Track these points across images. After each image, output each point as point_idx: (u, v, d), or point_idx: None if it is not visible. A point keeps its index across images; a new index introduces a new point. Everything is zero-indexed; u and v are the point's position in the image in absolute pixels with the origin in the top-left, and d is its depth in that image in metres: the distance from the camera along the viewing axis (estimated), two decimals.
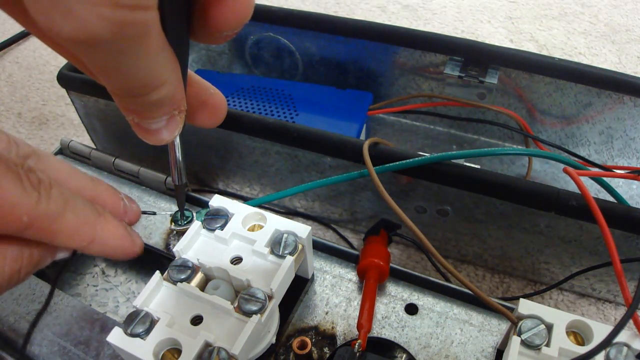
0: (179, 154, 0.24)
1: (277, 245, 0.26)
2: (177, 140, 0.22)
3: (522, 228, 0.35)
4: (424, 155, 0.32)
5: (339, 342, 0.29)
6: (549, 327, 0.24)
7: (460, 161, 0.37)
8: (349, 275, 0.33)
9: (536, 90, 0.45)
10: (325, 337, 0.30)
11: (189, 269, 0.25)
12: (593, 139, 0.46)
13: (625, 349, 0.22)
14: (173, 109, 0.19)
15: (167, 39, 0.16)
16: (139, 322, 0.22)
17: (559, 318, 0.24)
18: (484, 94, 0.45)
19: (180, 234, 0.26)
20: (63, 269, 0.23)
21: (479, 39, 0.66)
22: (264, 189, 0.44)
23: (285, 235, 0.26)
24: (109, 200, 0.23)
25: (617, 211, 0.30)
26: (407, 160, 0.32)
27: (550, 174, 0.47)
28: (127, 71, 0.16)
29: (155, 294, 0.24)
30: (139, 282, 0.36)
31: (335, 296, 0.32)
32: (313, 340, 0.29)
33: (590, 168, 0.34)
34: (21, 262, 0.20)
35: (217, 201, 0.28)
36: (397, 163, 0.32)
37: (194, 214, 0.32)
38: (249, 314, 0.23)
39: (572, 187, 0.29)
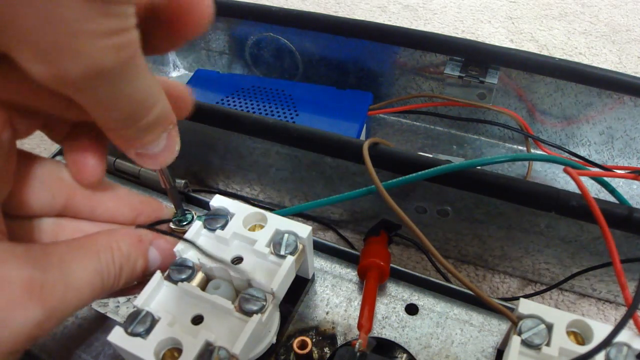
0: None
1: (277, 245, 0.26)
2: None
3: (522, 228, 0.35)
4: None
5: (339, 342, 0.29)
6: (549, 327, 0.24)
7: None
8: (350, 275, 0.33)
9: (536, 90, 0.45)
10: (325, 337, 0.30)
11: (190, 269, 0.25)
12: (593, 139, 0.47)
13: (625, 348, 0.22)
14: (168, 124, 0.20)
15: None
16: (139, 322, 0.22)
17: (559, 318, 0.24)
18: (484, 94, 0.45)
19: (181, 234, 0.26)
20: None
21: (479, 39, 0.66)
22: (264, 189, 0.44)
23: (285, 235, 0.26)
24: None
25: (617, 211, 0.30)
26: (413, 175, 0.31)
27: (550, 174, 0.47)
28: (127, 95, 0.16)
29: (156, 294, 0.24)
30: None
31: (336, 296, 0.32)
32: (313, 340, 0.29)
33: (590, 168, 0.34)
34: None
35: (217, 201, 0.28)
36: (404, 178, 0.32)
37: (194, 215, 0.32)
38: (249, 313, 0.23)
39: (572, 187, 0.29)
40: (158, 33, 0.18)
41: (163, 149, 0.20)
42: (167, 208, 0.26)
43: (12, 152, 0.20)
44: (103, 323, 0.31)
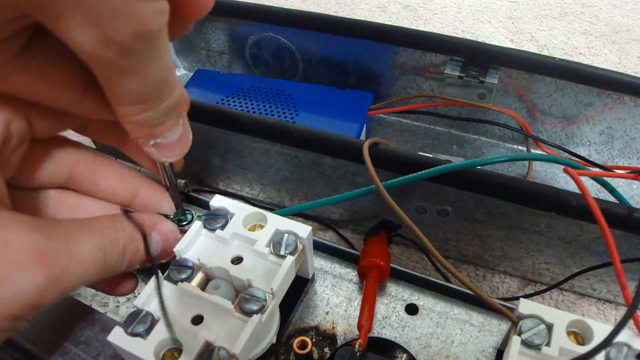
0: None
1: (277, 245, 0.26)
2: None
3: (523, 228, 0.35)
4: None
5: (339, 342, 0.29)
6: (549, 327, 0.24)
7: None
8: (350, 275, 0.33)
9: (536, 90, 0.45)
10: (325, 337, 0.30)
11: (190, 269, 0.25)
12: (593, 139, 0.47)
13: (625, 348, 0.22)
14: (183, 110, 0.20)
15: None
16: (139, 322, 0.22)
17: (559, 318, 0.24)
18: (484, 94, 0.45)
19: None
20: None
21: (479, 39, 0.66)
22: (264, 189, 0.44)
23: (285, 235, 0.26)
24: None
25: (617, 211, 0.30)
26: (412, 175, 0.32)
27: (551, 174, 0.47)
28: (157, 67, 0.17)
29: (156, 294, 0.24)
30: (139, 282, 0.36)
31: (336, 296, 0.32)
32: (313, 340, 0.29)
33: (590, 168, 0.34)
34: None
35: (217, 201, 0.28)
36: (405, 177, 0.32)
37: (195, 214, 0.32)
38: (249, 313, 0.23)
39: (572, 187, 0.29)
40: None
41: (179, 137, 0.21)
42: (168, 197, 0.26)
43: (22, 144, 0.21)
44: (103, 323, 0.31)
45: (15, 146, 0.20)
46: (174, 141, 0.21)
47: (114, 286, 0.25)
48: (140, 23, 0.15)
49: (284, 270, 0.25)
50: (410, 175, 0.31)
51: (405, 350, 0.29)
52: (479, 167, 0.33)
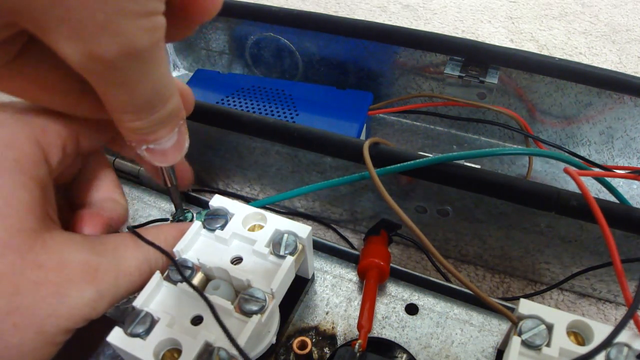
0: None
1: (277, 245, 0.26)
2: None
3: (523, 228, 0.35)
4: (426, 156, 0.32)
5: (339, 342, 0.29)
6: (550, 327, 0.24)
7: (461, 161, 0.37)
8: (350, 275, 0.33)
9: (536, 90, 0.45)
10: (325, 337, 0.30)
11: (189, 269, 0.24)
12: (593, 138, 0.46)
13: (625, 349, 0.22)
14: (179, 119, 0.20)
15: None
16: (139, 322, 0.22)
17: (560, 318, 0.24)
18: (484, 94, 0.45)
19: None
20: None
21: (480, 39, 0.66)
22: (264, 189, 0.44)
23: (285, 235, 0.26)
24: None
25: (617, 211, 0.30)
26: (408, 162, 0.32)
27: (551, 174, 0.47)
28: (150, 81, 0.17)
29: (156, 294, 0.24)
30: None
31: (336, 296, 0.32)
32: (313, 340, 0.29)
33: (590, 168, 0.34)
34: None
35: (217, 201, 0.27)
36: (398, 165, 0.32)
37: (194, 214, 0.32)
38: (249, 314, 0.23)
39: (572, 187, 0.29)
40: (171, 20, 0.18)
41: (173, 145, 0.21)
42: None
43: (74, 163, 0.23)
44: (103, 323, 0.31)
45: (69, 165, 0.22)
46: (168, 148, 0.21)
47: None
48: (126, 41, 0.14)
49: (284, 271, 0.24)
50: (404, 164, 0.31)
51: (405, 351, 0.29)
52: (479, 167, 0.33)
